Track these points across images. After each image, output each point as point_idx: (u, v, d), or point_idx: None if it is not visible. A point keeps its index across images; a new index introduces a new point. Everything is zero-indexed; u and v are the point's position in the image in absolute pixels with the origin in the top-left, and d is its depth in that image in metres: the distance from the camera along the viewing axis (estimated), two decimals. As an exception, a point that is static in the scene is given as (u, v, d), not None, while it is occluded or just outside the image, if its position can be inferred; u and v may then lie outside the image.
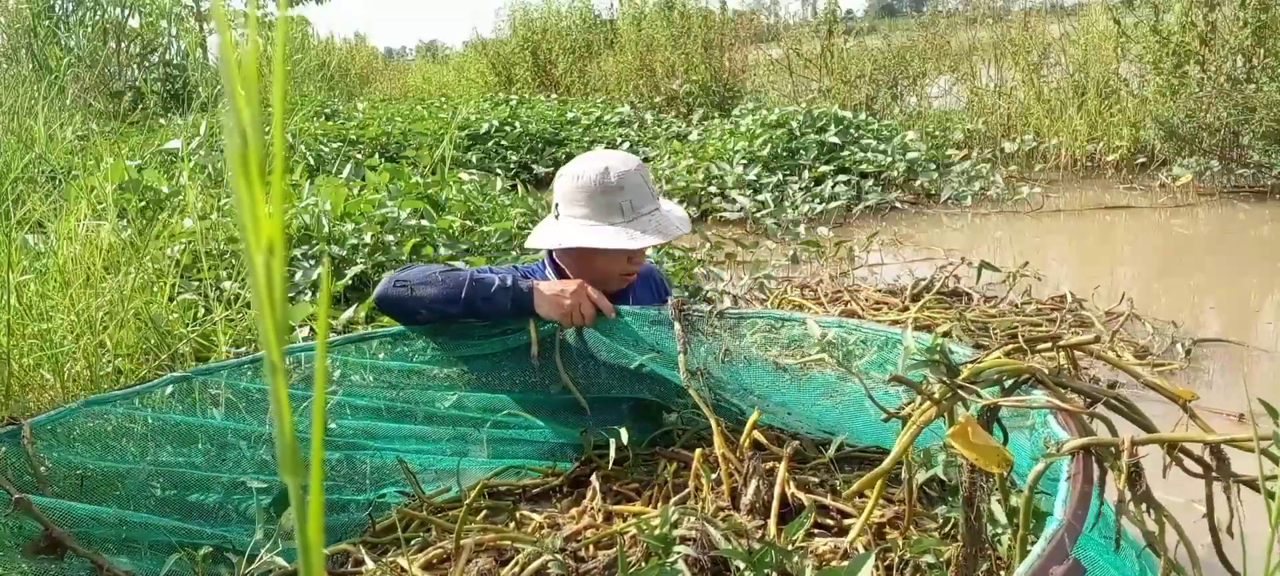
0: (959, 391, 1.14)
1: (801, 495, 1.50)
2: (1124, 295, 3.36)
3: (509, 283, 1.79)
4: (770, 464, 1.56)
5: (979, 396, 1.13)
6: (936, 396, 1.15)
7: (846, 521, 1.48)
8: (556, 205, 1.90)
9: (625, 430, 1.73)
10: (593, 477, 1.68)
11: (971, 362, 1.19)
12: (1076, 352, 2.84)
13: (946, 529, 1.39)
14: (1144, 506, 1.02)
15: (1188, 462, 1.09)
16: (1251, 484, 1.07)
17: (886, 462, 1.25)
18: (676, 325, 1.69)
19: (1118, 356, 2.91)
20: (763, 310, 1.70)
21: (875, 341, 1.55)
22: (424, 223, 3.55)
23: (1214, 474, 1.06)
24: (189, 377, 1.66)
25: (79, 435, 1.51)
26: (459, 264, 1.89)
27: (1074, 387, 1.19)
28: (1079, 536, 0.90)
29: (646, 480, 1.70)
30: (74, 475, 1.47)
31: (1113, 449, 1.04)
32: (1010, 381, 1.18)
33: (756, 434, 1.60)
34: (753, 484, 1.50)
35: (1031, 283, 3.54)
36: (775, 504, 1.47)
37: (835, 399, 1.55)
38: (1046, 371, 1.18)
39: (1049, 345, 1.34)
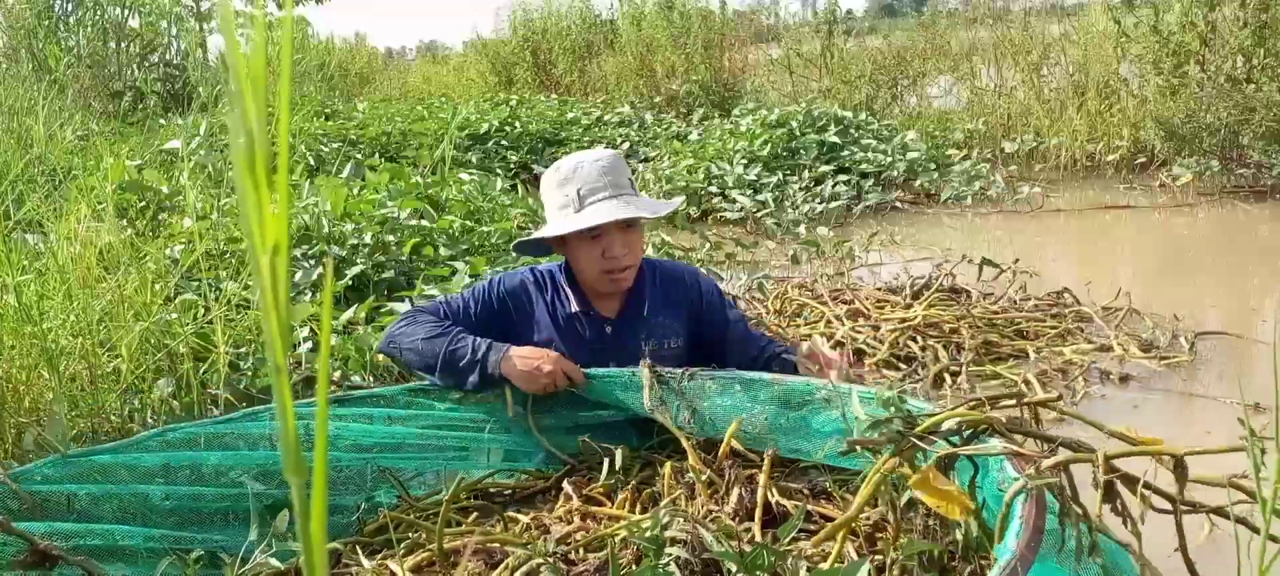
0: (917, 443, 1.19)
1: (785, 502, 1.50)
2: (1120, 291, 3.38)
3: (479, 354, 1.78)
4: (751, 471, 1.56)
5: (933, 448, 1.19)
6: (894, 449, 1.20)
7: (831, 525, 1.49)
8: None
9: (620, 452, 1.71)
10: (566, 483, 1.69)
11: (929, 416, 1.24)
12: (1080, 349, 2.84)
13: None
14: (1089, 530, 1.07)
15: (1156, 499, 1.13)
16: (1220, 511, 1.11)
17: (851, 510, 1.29)
18: (646, 391, 1.67)
19: (1123, 351, 2.92)
20: (733, 372, 1.68)
21: (840, 395, 1.57)
22: (424, 222, 3.55)
23: (1182, 504, 1.10)
24: (171, 432, 1.64)
25: (68, 475, 1.51)
26: (449, 326, 1.87)
27: (1030, 434, 1.26)
28: (1031, 567, 0.96)
29: (631, 484, 1.69)
30: (63, 498, 1.47)
31: (1062, 486, 1.09)
32: (969, 431, 1.23)
33: (735, 443, 1.60)
34: (734, 492, 1.50)
35: (1026, 279, 3.56)
36: (759, 510, 1.46)
37: (811, 442, 1.56)
38: (1002, 421, 1.24)
39: (1013, 403, 1.38)
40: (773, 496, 1.51)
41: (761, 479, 1.51)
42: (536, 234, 1.94)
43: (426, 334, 1.82)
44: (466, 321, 1.93)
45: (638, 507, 1.60)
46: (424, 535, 1.55)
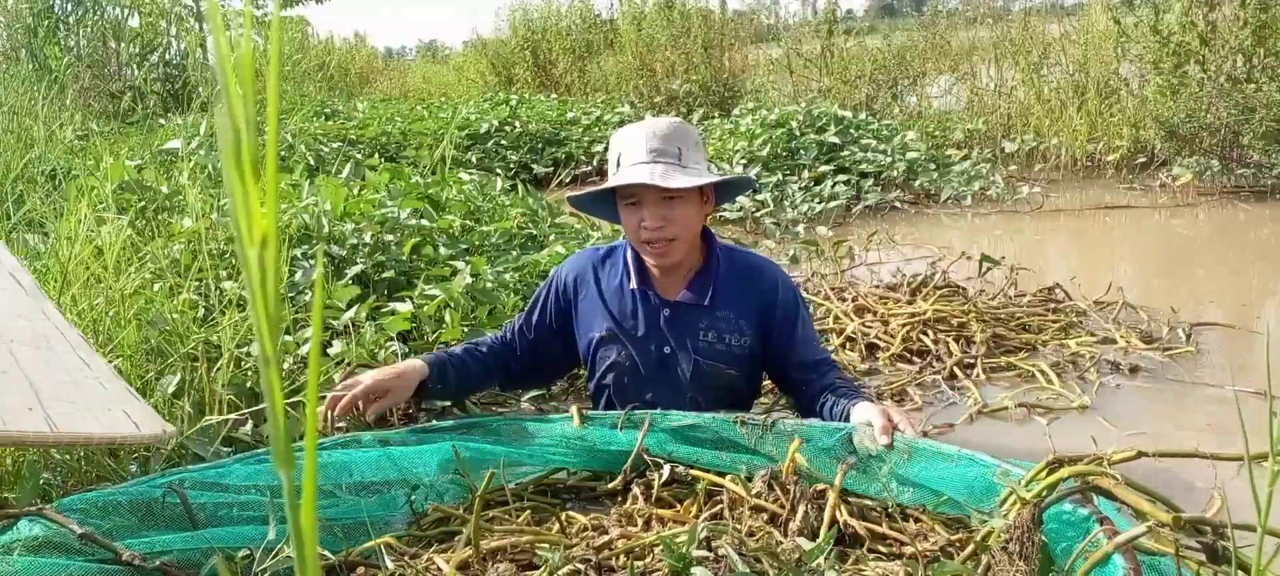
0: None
1: (855, 523, 1.46)
2: (1110, 285, 3.41)
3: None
4: (821, 486, 1.53)
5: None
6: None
7: (905, 549, 1.44)
8: None
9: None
10: (634, 486, 1.65)
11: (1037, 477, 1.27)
12: (1085, 341, 2.86)
13: None
14: None
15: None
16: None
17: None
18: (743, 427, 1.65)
19: (1126, 343, 2.94)
20: (824, 424, 1.67)
21: (926, 452, 1.55)
22: (424, 222, 3.55)
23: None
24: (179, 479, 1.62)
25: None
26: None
27: (1153, 496, 1.32)
28: None
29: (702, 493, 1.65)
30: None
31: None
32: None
33: (801, 458, 1.58)
34: (801, 509, 1.46)
35: (1018, 275, 3.59)
36: (824, 529, 1.43)
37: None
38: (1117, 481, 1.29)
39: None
40: (841, 515, 1.46)
41: (830, 497, 1.47)
42: (583, 192, 1.95)
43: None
44: (519, 336, 1.98)
45: (701, 518, 1.56)
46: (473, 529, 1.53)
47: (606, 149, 1.92)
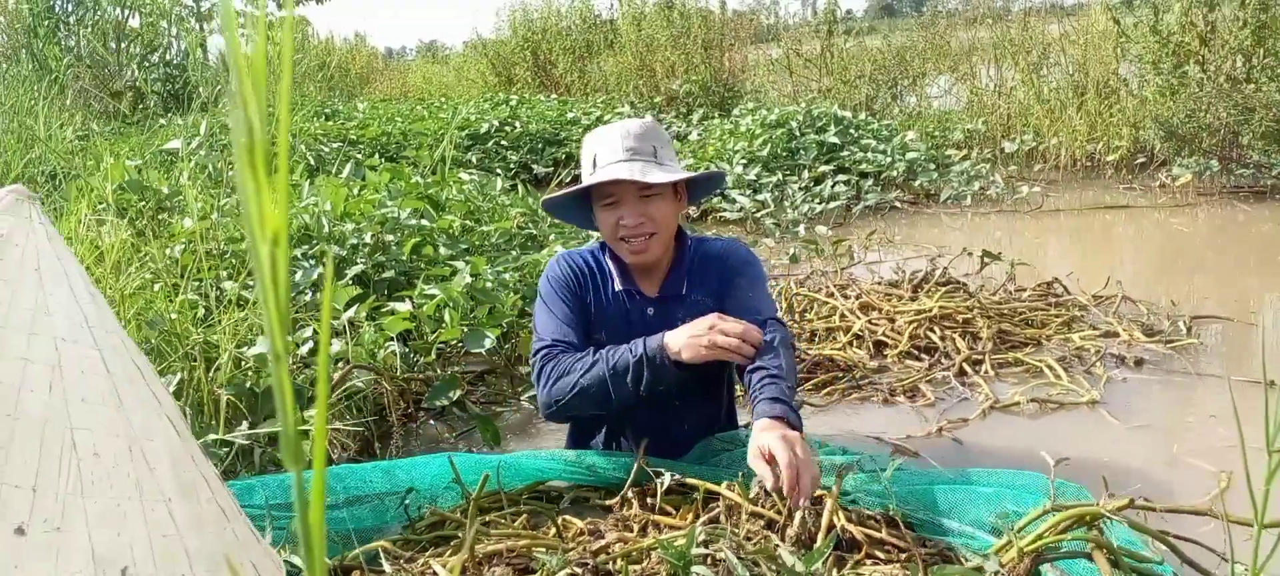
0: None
1: (853, 528, 1.46)
2: (1109, 279, 3.42)
3: (639, 353, 1.73)
4: (820, 493, 1.53)
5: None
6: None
7: (904, 554, 1.45)
8: None
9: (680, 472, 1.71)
10: (627, 491, 1.66)
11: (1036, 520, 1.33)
12: (1088, 336, 2.88)
13: None
14: None
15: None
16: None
17: None
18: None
19: (1129, 336, 2.97)
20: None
21: (922, 479, 1.56)
22: (424, 222, 3.55)
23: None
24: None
25: None
26: (587, 353, 1.81)
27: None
28: None
29: (698, 500, 1.67)
30: None
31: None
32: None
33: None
34: (798, 515, 1.46)
35: (1016, 270, 3.62)
36: (822, 534, 1.43)
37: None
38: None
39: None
40: (839, 521, 1.47)
41: (828, 503, 1.47)
42: (557, 194, 1.96)
43: (581, 372, 1.77)
44: (572, 331, 1.89)
45: (699, 522, 1.56)
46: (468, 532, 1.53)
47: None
